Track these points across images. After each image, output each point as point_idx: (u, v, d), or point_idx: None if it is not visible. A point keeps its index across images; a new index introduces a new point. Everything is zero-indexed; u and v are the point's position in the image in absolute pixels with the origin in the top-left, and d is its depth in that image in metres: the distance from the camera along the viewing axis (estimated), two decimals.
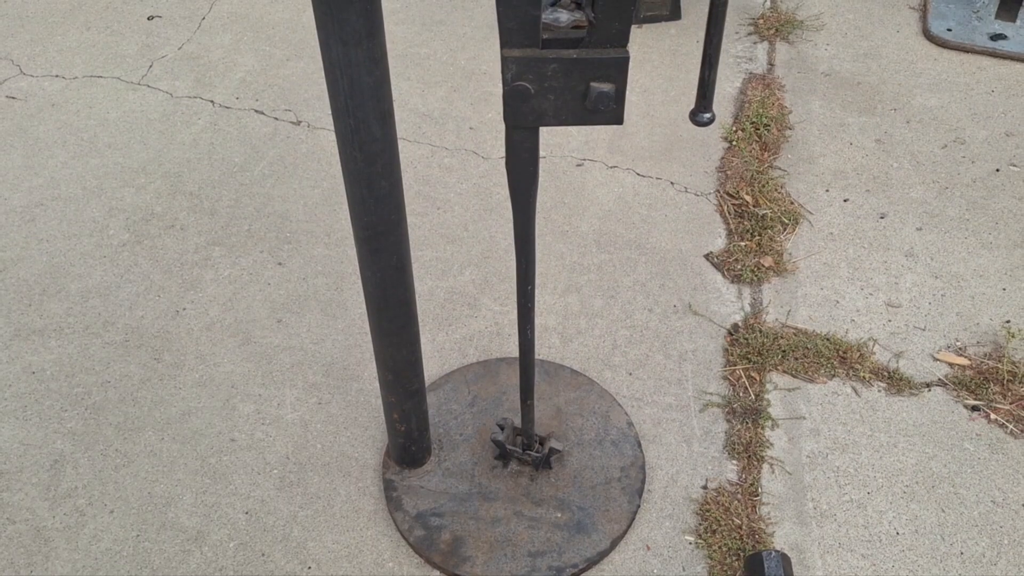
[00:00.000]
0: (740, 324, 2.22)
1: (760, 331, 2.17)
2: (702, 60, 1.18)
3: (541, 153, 2.75)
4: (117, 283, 2.35)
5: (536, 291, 2.33)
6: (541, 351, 2.17)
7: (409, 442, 1.81)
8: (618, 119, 1.24)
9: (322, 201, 2.60)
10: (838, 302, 2.28)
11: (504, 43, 1.18)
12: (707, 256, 2.41)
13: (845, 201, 2.56)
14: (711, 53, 1.16)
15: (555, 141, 2.79)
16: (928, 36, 3.14)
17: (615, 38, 1.17)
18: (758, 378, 2.09)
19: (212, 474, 1.93)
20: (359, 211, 1.39)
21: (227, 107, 2.93)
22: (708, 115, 1.22)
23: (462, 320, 2.27)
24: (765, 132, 2.76)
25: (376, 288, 1.51)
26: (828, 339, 2.16)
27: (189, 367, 2.14)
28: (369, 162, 1.31)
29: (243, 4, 3.40)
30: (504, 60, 1.18)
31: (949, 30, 3.13)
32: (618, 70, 1.19)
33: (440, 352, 2.18)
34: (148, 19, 3.34)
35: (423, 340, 2.21)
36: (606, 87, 1.20)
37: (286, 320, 2.26)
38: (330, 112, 1.12)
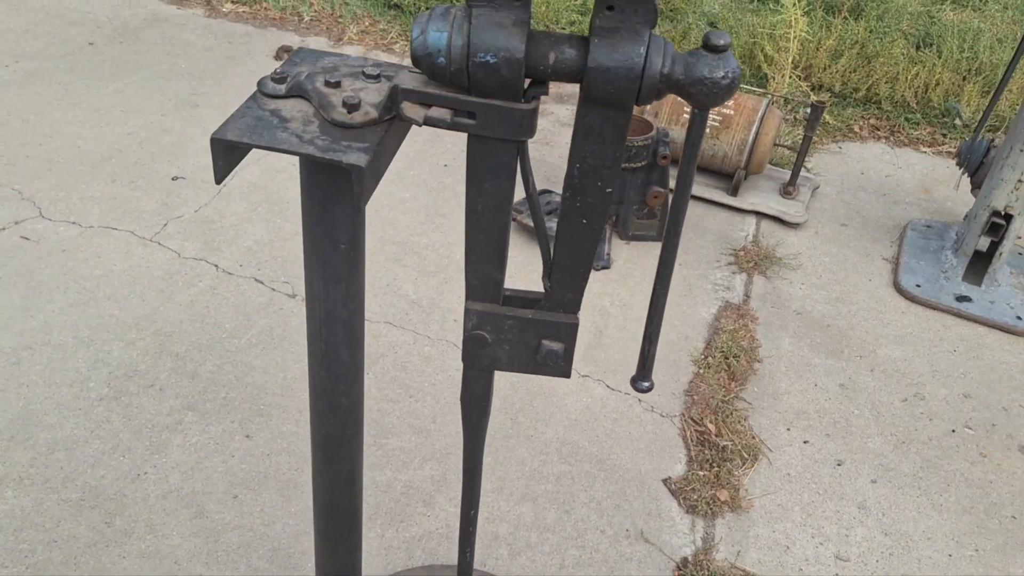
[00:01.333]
0: (690, 559, 2.23)
1: (708, 570, 2.18)
2: (643, 336, 1.29)
3: None
4: (86, 438, 2.39)
5: (492, 495, 2.37)
6: (487, 562, 2.18)
7: None
8: (565, 374, 1.34)
9: (301, 376, 2.68)
10: (788, 548, 2.30)
11: (468, 296, 1.30)
12: (665, 481, 2.46)
13: (805, 443, 2.63)
14: (651, 332, 1.27)
15: None
16: (898, 289, 3.32)
17: (568, 306, 1.29)
18: None
19: None
20: (318, 422, 1.46)
21: (229, 273, 3.07)
22: (647, 384, 1.31)
23: (415, 518, 2.28)
24: (734, 362, 2.87)
25: (325, 494, 1.56)
26: None
27: (138, 536, 2.15)
28: (334, 381, 1.40)
29: (263, 176, 3.63)
30: (467, 311, 1.29)
31: (918, 286, 3.31)
32: (568, 333, 1.30)
33: (387, 550, 2.19)
34: (172, 179, 3.56)
35: (373, 535, 2.22)
36: (556, 346, 1.30)
37: (242, 497, 2.28)
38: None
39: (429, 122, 1.09)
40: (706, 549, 2.27)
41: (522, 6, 1.03)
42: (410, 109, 1.10)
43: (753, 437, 2.62)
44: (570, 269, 1.25)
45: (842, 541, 2.34)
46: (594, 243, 1.23)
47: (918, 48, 5.06)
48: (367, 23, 5.09)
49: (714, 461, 2.51)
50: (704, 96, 1.05)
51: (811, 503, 2.44)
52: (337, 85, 1.13)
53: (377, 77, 1.16)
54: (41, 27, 4.60)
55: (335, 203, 1.19)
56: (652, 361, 1.30)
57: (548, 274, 1.26)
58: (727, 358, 2.89)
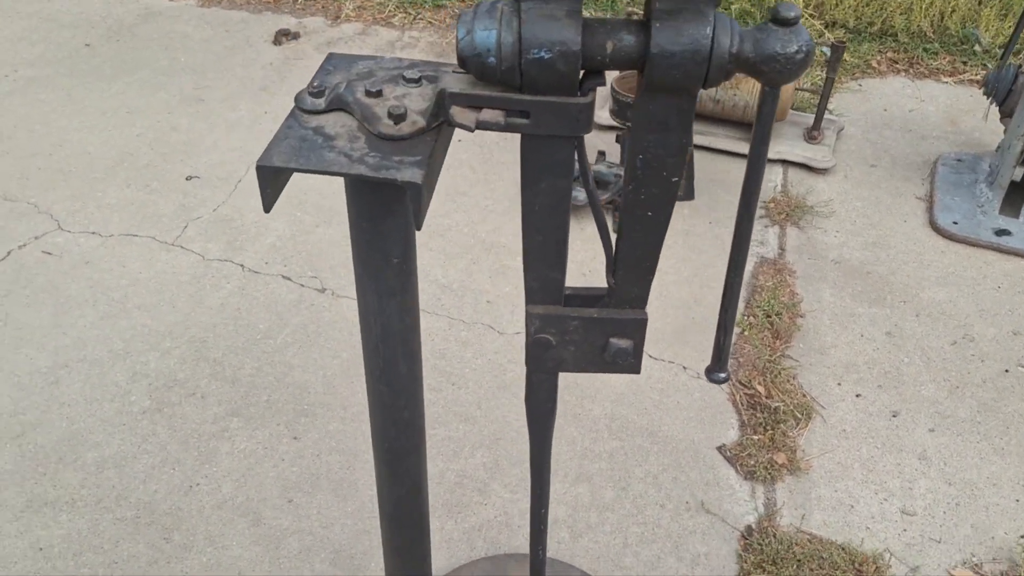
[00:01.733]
0: (754, 527, 2.20)
1: (775, 536, 2.16)
2: (718, 325, 1.24)
3: None
4: (134, 453, 2.37)
5: None
6: (550, 547, 2.15)
7: None
8: (635, 371, 1.29)
9: (341, 372, 2.64)
10: (852, 507, 2.27)
11: (528, 299, 1.24)
12: (720, 449, 2.42)
13: (857, 396, 2.58)
14: (726, 321, 1.22)
15: None
16: (935, 227, 3.25)
17: (634, 301, 1.23)
18: None
19: None
20: (380, 436, 1.43)
21: (256, 272, 3.02)
22: (723, 375, 1.26)
23: (471, 507, 2.26)
24: (777, 320, 2.82)
25: (391, 506, 1.53)
26: (844, 548, 2.14)
27: (198, 549, 2.13)
28: (394, 396, 1.36)
29: None
30: (528, 315, 1.24)
31: (955, 223, 3.23)
32: (637, 329, 1.24)
33: (448, 542, 2.17)
34: (186, 179, 3.50)
35: (433, 527, 2.19)
36: (624, 343, 1.25)
37: (297, 500, 2.26)
38: (354, 281, 1.20)
39: (482, 126, 1.03)
40: (769, 515, 2.24)
41: None
42: (460, 114, 1.03)
43: (804, 395, 2.58)
44: (635, 264, 1.19)
45: (906, 495, 2.30)
46: (660, 235, 1.17)
47: None
48: None
49: (767, 424, 2.47)
50: (777, 73, 0.99)
51: (870, 458, 2.40)
52: (379, 94, 1.06)
53: (418, 80, 1.10)
54: (36, 32, 4.51)
55: (386, 217, 1.13)
56: (728, 351, 1.25)
57: (612, 270, 1.21)
58: (769, 316, 2.83)
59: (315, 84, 1.07)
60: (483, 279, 3.03)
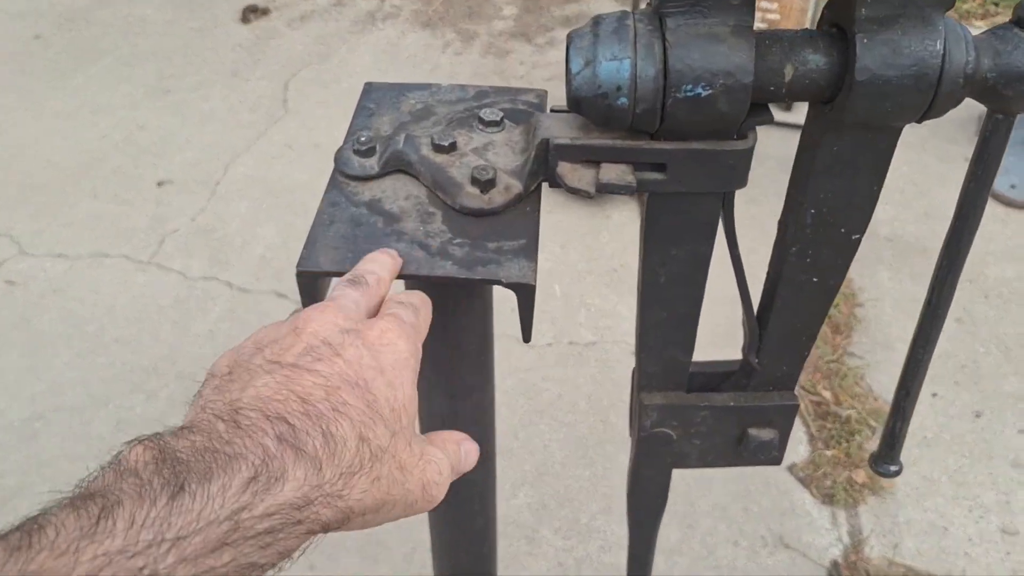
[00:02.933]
0: (841, 561, 1.95)
1: (867, 572, 1.91)
2: (892, 409, 0.96)
3: (591, 338, 2.53)
4: None
5: (602, 517, 2.07)
6: None
7: None
8: (776, 462, 1.01)
9: None
10: (947, 529, 2.02)
11: (644, 386, 0.96)
12: (791, 468, 2.17)
13: (934, 396, 2.33)
14: (906, 406, 0.94)
15: (606, 323, 2.57)
16: (991, 193, 2.97)
17: (781, 382, 0.95)
18: None
19: None
20: (446, 549, 1.15)
21: (245, 290, 2.70)
22: (895, 467, 0.99)
23: (520, 559, 1.99)
24: (834, 311, 2.55)
25: None
26: None
27: None
28: (466, 503, 1.08)
29: (259, 167, 3.22)
30: (643, 406, 0.95)
31: (1013, 187, 2.96)
32: (784, 417, 0.96)
33: None
34: (158, 185, 3.15)
35: None
36: (768, 435, 0.97)
37: (319, 566, 1.98)
38: None
39: (605, 190, 0.72)
40: (856, 546, 1.99)
41: (742, 4, 0.65)
42: (571, 174, 0.73)
43: (876, 399, 2.32)
44: (790, 340, 0.91)
45: (1003, 510, 2.06)
46: (827, 305, 0.88)
47: None
48: None
49: (840, 436, 2.21)
50: None
51: (958, 469, 2.15)
52: (452, 148, 0.75)
53: (499, 123, 0.79)
54: None
55: (464, 303, 0.84)
56: (903, 440, 0.98)
57: (756, 348, 0.92)
58: None
59: (361, 137, 0.76)
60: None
